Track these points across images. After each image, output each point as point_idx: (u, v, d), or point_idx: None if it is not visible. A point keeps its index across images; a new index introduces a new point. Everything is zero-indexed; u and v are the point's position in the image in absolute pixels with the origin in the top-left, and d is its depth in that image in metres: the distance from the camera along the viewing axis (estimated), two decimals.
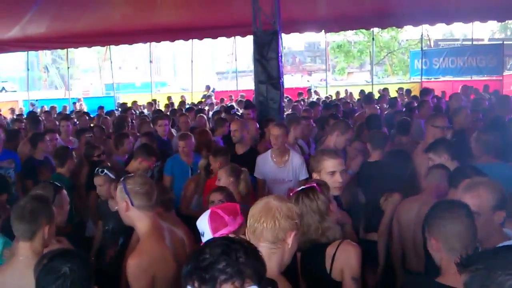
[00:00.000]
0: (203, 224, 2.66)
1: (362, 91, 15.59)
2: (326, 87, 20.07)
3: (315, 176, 3.58)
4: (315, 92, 18.05)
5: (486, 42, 31.63)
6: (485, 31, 36.39)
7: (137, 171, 4.70)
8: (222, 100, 16.48)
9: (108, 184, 4.20)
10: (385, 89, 15.39)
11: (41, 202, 2.79)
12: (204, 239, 2.58)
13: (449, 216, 2.33)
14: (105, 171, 4.27)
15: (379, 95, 13.54)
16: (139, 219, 2.89)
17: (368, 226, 4.46)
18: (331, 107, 9.98)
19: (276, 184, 5.11)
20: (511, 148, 4.53)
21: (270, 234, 2.17)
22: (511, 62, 31.71)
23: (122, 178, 3.01)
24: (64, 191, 3.45)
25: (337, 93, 16.78)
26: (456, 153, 4.11)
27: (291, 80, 36.19)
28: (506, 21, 27.10)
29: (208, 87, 19.61)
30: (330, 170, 3.49)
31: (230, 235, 1.93)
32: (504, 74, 20.22)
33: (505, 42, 24.06)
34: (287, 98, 13.01)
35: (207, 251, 1.50)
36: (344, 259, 2.68)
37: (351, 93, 16.57)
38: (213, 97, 16.53)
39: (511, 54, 28.67)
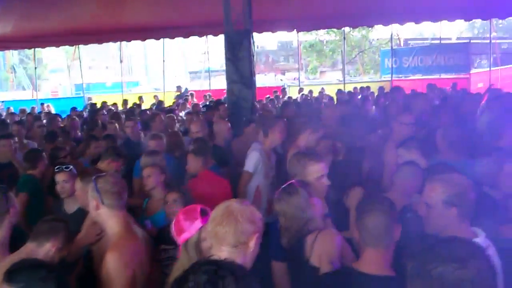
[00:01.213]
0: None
1: (339, 90, 15.69)
2: (299, 86, 20.14)
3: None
4: (300, 90, 18.10)
5: (454, 41, 32.30)
6: (453, 30, 37.24)
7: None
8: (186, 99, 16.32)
9: (73, 181, 4.10)
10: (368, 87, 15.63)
11: None
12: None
13: (368, 210, 2.46)
14: (70, 166, 4.19)
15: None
16: (109, 218, 2.91)
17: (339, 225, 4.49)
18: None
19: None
20: (475, 145, 4.62)
21: (232, 237, 2.18)
22: (478, 60, 32.44)
23: (94, 177, 3.00)
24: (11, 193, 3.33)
25: (310, 91, 16.84)
26: (426, 150, 4.18)
27: (264, 79, 36.32)
28: (473, 21, 27.69)
29: (179, 88, 19.42)
30: (318, 175, 3.48)
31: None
32: (471, 72, 20.71)
33: (472, 41, 24.68)
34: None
35: (191, 278, 1.39)
36: (322, 245, 2.79)
37: (323, 93, 16.64)
38: (189, 97, 16.39)
39: (478, 53, 29.33)
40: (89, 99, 19.47)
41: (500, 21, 26.86)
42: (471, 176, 2.92)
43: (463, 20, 16.15)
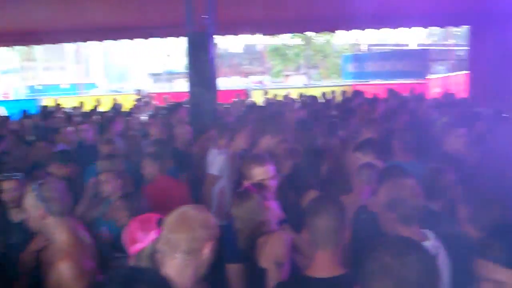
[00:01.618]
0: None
1: (302, 94, 15.80)
2: (264, 89, 20.21)
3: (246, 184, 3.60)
4: (265, 93, 18.12)
5: (414, 47, 33.15)
6: (414, 37, 38.24)
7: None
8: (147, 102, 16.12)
9: (21, 189, 3.88)
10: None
11: None
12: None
13: (316, 211, 2.45)
14: (19, 174, 4.02)
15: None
16: (57, 226, 2.82)
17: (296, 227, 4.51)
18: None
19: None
20: (428, 148, 4.77)
21: (186, 244, 2.13)
22: (436, 66, 33.40)
23: (35, 186, 2.88)
24: None
25: (275, 95, 16.89)
26: (381, 152, 4.26)
27: (228, 82, 36.23)
28: (431, 28, 28.52)
29: (138, 91, 18.99)
30: (259, 178, 3.54)
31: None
32: (429, 77, 21.31)
33: (430, 48, 25.40)
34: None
35: None
36: (271, 248, 2.84)
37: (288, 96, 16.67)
38: (149, 100, 16.16)
39: (435, 59, 30.19)
40: (41, 101, 18.87)
41: (457, 28, 27.76)
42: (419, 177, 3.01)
43: (421, 27, 16.61)
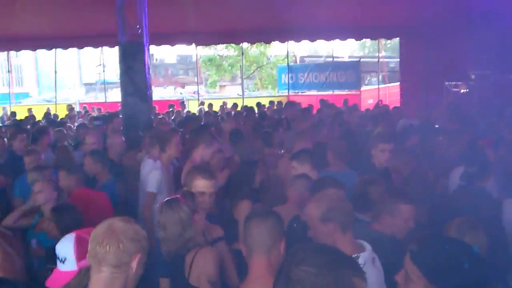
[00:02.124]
0: (66, 249, 2.42)
1: (234, 104, 15.90)
2: (198, 99, 20.12)
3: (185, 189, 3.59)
4: (201, 103, 18.01)
5: (346, 59, 34.19)
6: (346, 49, 39.50)
7: None
8: (86, 112, 15.71)
9: None
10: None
11: None
12: (65, 266, 2.40)
13: (253, 222, 2.47)
14: None
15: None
16: None
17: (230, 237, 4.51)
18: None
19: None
20: (359, 157, 4.93)
21: (113, 257, 2.07)
22: (368, 78, 34.60)
23: None
24: None
25: (210, 105, 16.88)
26: (316, 162, 4.34)
27: (163, 92, 35.80)
28: (364, 40, 29.61)
29: (70, 107, 17.93)
30: (200, 191, 3.54)
31: None
32: (362, 89, 22.08)
33: (362, 60, 26.31)
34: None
35: None
36: (200, 265, 2.78)
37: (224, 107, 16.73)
38: (82, 110, 15.71)
39: (367, 71, 31.25)
40: None
41: (388, 41, 28.92)
42: (352, 186, 3.09)
43: (353, 39, 17.23)
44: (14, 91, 25.45)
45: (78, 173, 4.71)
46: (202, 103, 18.05)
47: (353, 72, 20.98)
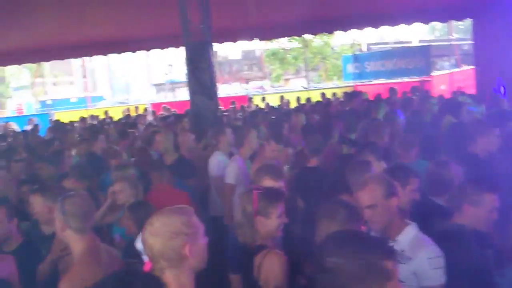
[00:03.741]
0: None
1: (298, 98, 15.86)
2: (264, 94, 20.20)
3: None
4: (263, 99, 18.12)
5: (415, 44, 32.99)
6: (414, 34, 38.13)
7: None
8: (154, 112, 16.22)
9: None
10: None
11: None
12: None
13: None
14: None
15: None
16: (74, 241, 2.82)
17: (304, 231, 4.48)
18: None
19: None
20: (429, 147, 4.74)
21: (166, 258, 2.06)
22: (440, 62, 33.26)
23: (60, 198, 2.92)
24: None
25: (282, 97, 16.92)
26: (382, 154, 4.23)
27: (228, 89, 36.32)
28: (433, 23, 28.43)
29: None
30: None
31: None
32: (433, 74, 21.17)
33: (432, 44, 25.27)
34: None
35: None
36: (269, 268, 2.73)
37: (287, 100, 16.69)
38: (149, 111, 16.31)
39: (438, 55, 30.01)
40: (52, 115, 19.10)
41: (460, 22, 27.54)
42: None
43: (421, 23, 16.48)
44: (90, 95, 26.84)
45: (163, 171, 4.95)
46: (264, 99, 18.13)
47: (422, 58, 20.14)
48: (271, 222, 2.87)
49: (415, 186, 3.33)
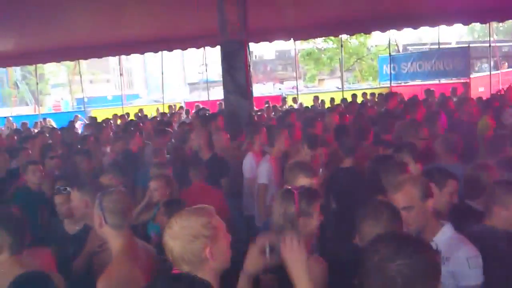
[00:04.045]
0: None
1: (332, 98, 15.74)
2: (297, 94, 20.11)
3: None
4: (294, 99, 18.07)
5: (454, 45, 32.24)
6: (452, 34, 37.30)
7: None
8: (187, 111, 16.37)
9: (69, 203, 3.98)
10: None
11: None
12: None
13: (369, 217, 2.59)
14: (68, 189, 4.11)
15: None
16: (112, 237, 2.84)
17: (337, 233, 4.44)
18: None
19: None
20: (470, 150, 4.64)
21: (187, 260, 2.06)
22: (479, 64, 32.41)
23: (99, 194, 2.95)
24: None
25: (315, 98, 16.82)
26: (420, 156, 4.16)
27: (262, 89, 36.36)
28: (473, 24, 27.72)
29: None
30: None
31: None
32: (472, 76, 20.60)
33: (471, 45, 24.60)
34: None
35: None
36: (311, 274, 2.65)
37: (322, 100, 16.57)
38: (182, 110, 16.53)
39: (478, 57, 29.26)
40: (89, 112, 19.61)
41: (500, 24, 26.74)
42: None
43: (461, 24, 16.09)
44: (126, 93, 27.34)
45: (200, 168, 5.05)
46: (295, 99, 18.05)
47: (461, 59, 19.58)
48: (313, 222, 2.83)
49: (452, 189, 3.29)
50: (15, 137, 10.29)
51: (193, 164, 5.23)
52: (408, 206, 2.74)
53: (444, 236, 2.73)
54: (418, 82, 21.11)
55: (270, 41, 15.80)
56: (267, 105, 14.82)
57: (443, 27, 17.11)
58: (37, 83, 23.78)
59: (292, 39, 16.69)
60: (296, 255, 2.23)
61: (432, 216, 2.79)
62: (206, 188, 4.89)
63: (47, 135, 10.05)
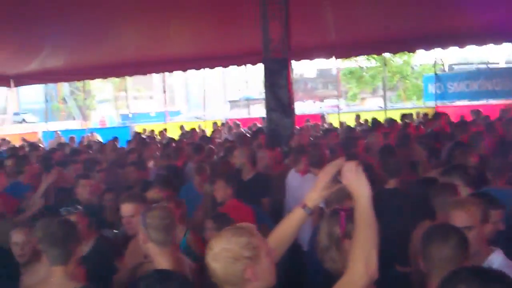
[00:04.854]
0: None
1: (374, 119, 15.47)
2: (338, 113, 19.93)
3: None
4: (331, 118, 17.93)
5: (502, 65, 31.32)
6: (501, 54, 36.14)
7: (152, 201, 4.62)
8: (230, 128, 16.43)
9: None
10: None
11: (71, 226, 2.89)
12: None
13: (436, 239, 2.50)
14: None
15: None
16: (156, 254, 2.83)
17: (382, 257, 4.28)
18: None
19: None
20: None
21: (230, 282, 2.02)
22: None
23: (143, 211, 2.95)
24: None
25: (357, 116, 16.60)
26: (471, 179, 3.97)
27: (302, 107, 36.25)
28: None
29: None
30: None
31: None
32: None
33: None
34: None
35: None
36: None
37: (365, 119, 16.28)
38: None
39: None
40: (133, 128, 20.04)
41: None
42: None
43: (510, 43, 15.58)
44: (168, 110, 27.86)
45: (234, 184, 4.95)
46: (322, 117, 17.86)
47: (510, 79, 19.03)
48: None
49: (496, 219, 3.13)
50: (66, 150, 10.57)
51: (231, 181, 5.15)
52: (469, 226, 2.68)
53: (494, 262, 2.66)
54: (464, 102, 20.56)
55: (312, 59, 15.71)
56: (307, 123, 14.74)
57: (491, 47, 16.66)
58: (84, 99, 24.56)
59: (333, 57, 16.58)
60: (356, 175, 2.28)
61: (484, 240, 2.75)
62: (238, 206, 4.81)
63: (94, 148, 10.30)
